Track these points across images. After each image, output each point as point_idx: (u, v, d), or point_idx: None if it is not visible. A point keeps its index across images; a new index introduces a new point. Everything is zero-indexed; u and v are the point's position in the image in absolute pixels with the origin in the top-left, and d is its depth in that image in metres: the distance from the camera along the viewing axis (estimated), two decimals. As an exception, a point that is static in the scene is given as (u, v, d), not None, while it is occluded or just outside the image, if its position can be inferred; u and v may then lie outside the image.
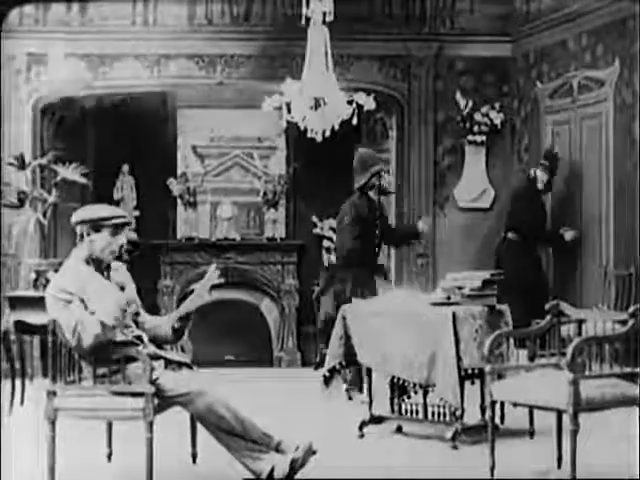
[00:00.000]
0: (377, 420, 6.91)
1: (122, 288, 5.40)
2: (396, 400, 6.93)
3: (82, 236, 5.48)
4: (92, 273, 5.46)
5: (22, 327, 8.13)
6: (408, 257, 10.33)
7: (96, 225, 5.44)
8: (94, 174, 10.45)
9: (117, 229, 5.48)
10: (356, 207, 8.16)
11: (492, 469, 5.52)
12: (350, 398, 8.05)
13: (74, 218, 5.51)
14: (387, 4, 10.15)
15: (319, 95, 8.01)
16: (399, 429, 6.96)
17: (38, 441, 5.51)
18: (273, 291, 11.42)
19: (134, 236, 10.82)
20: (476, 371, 6.40)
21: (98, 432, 6.06)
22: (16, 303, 8.28)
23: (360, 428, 6.84)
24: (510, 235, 9.19)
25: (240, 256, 11.47)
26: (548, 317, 5.89)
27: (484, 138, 10.21)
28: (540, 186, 9.15)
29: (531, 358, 6.14)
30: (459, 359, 6.36)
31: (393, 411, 6.95)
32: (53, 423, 5.34)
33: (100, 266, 5.49)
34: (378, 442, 6.71)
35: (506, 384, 5.58)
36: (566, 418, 5.20)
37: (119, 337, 5.38)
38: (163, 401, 5.34)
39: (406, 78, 10.28)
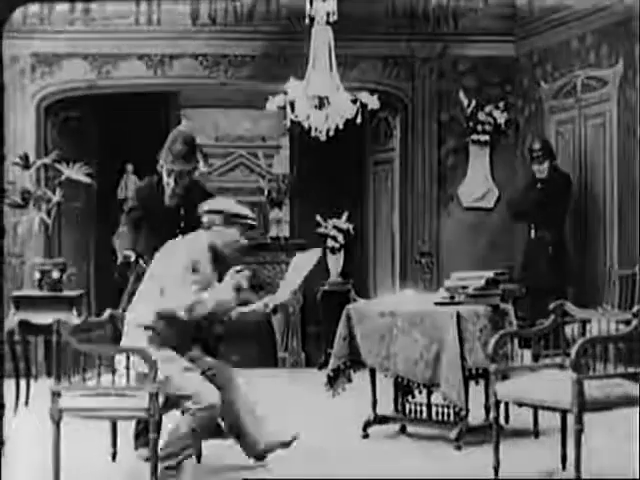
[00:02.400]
0: (381, 420, 6.91)
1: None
2: (400, 400, 6.93)
3: (209, 226, 5.53)
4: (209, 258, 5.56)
5: (26, 327, 8.14)
6: (412, 257, 10.33)
7: (230, 219, 5.50)
8: (98, 173, 10.44)
9: (246, 230, 5.55)
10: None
11: (496, 469, 5.53)
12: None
13: (207, 206, 5.57)
14: (391, 4, 10.14)
15: (323, 94, 8.01)
16: (403, 429, 6.97)
17: (43, 441, 5.51)
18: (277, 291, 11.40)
19: None
20: (480, 371, 6.41)
21: (103, 432, 6.07)
22: (20, 303, 8.29)
23: (364, 428, 6.84)
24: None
25: (244, 256, 11.44)
26: (552, 317, 5.89)
27: (488, 137, 10.20)
28: (540, 176, 8.90)
29: (535, 358, 6.15)
30: (463, 359, 6.36)
31: (397, 411, 6.95)
32: (58, 423, 5.34)
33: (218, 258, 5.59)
34: (382, 442, 6.72)
35: (510, 384, 5.58)
36: (571, 418, 5.20)
37: None
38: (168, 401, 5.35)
39: (410, 78, 10.28)
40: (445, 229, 10.28)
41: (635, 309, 5.47)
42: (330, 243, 11.16)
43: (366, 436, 6.82)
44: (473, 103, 10.13)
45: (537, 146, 8.94)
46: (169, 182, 6.30)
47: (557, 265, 8.79)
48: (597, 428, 5.69)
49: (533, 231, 8.94)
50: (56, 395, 5.34)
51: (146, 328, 5.47)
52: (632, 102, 8.38)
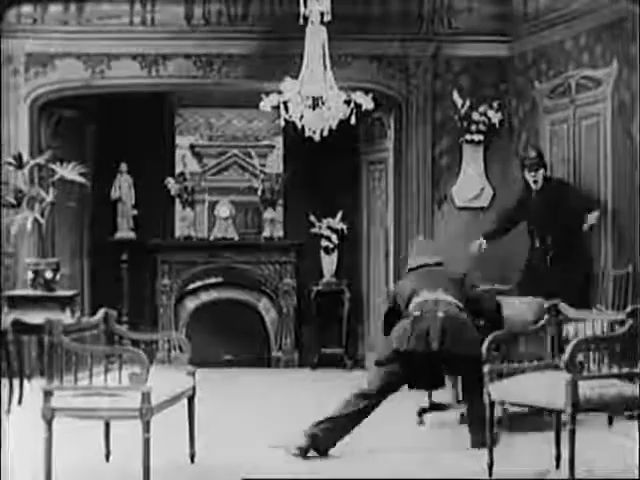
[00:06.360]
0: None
1: None
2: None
3: None
4: None
5: (20, 326, 8.12)
6: (406, 256, 10.31)
7: None
8: (92, 173, 10.43)
9: None
10: None
11: (490, 468, 5.53)
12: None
13: None
14: (385, 4, 10.14)
15: (317, 94, 7.99)
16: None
17: (36, 441, 5.50)
18: (271, 291, 11.41)
19: None
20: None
21: (96, 432, 6.06)
22: (14, 302, 8.28)
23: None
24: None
25: (238, 256, 11.45)
26: (546, 317, 5.89)
27: (482, 137, 10.19)
28: (535, 186, 8.88)
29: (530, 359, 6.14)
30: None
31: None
32: (50, 423, 5.33)
33: None
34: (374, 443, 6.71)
35: (505, 384, 5.58)
36: (565, 418, 5.20)
37: None
38: None
39: (404, 77, 10.27)
40: (439, 229, 10.27)
41: (629, 309, 5.47)
42: (324, 243, 11.16)
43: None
44: (467, 103, 10.12)
45: (533, 154, 8.88)
46: None
47: (555, 274, 8.70)
48: (592, 428, 5.69)
49: (537, 240, 8.84)
50: (48, 395, 5.33)
51: None
52: (626, 102, 8.38)
